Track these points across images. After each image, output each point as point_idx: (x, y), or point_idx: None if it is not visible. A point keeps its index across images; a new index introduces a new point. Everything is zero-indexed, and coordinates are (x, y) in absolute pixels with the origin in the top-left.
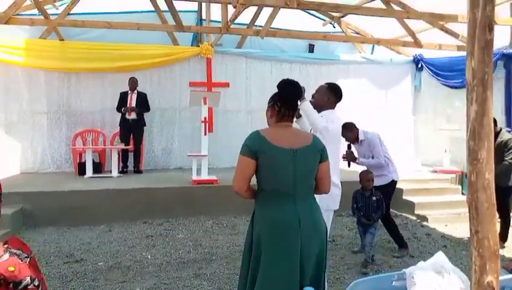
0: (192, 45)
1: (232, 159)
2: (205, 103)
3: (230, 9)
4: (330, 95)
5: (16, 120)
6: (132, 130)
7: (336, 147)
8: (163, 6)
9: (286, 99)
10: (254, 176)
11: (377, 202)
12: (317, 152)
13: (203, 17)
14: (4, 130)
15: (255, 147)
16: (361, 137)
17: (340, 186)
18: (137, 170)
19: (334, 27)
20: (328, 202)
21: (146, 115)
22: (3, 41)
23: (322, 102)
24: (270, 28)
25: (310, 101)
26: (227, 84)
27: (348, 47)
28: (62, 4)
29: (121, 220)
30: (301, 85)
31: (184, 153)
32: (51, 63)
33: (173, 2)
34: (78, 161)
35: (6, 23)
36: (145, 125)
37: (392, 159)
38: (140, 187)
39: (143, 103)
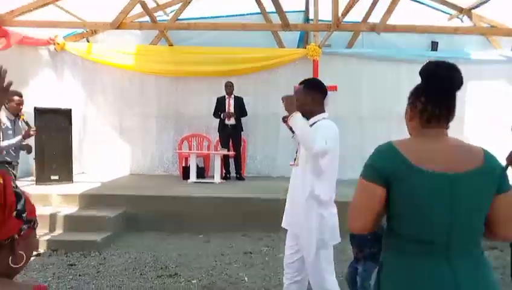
0: (298, 47)
1: (339, 170)
2: None
3: (342, 3)
4: (312, 94)
5: (129, 123)
6: (231, 136)
7: (335, 161)
8: (269, 7)
9: (435, 90)
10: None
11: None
12: (493, 178)
13: (311, 16)
14: (118, 133)
15: (386, 169)
16: None
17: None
18: (240, 177)
19: (462, 21)
20: (326, 235)
21: (248, 121)
22: (118, 47)
23: (308, 106)
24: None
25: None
26: (335, 88)
27: (479, 43)
28: (172, 11)
29: (220, 230)
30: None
31: (287, 161)
32: (161, 67)
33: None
34: (183, 165)
35: (118, 28)
36: (242, 131)
37: None
38: (241, 196)
39: (241, 107)
